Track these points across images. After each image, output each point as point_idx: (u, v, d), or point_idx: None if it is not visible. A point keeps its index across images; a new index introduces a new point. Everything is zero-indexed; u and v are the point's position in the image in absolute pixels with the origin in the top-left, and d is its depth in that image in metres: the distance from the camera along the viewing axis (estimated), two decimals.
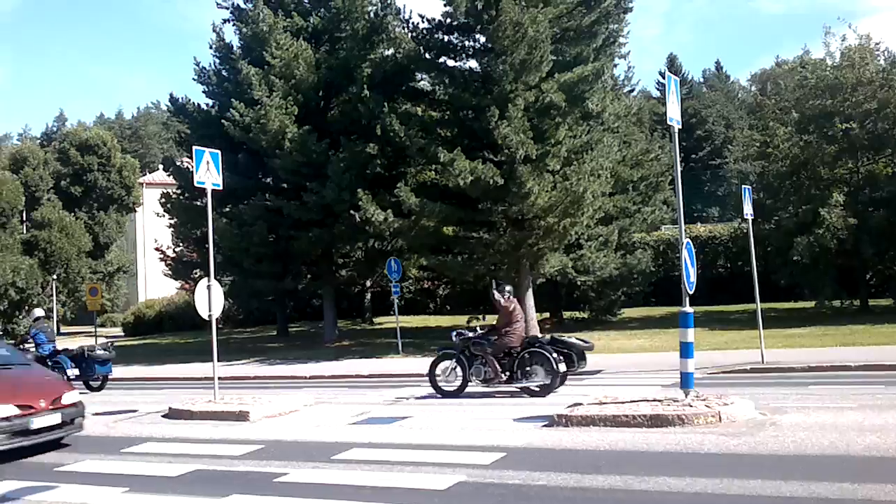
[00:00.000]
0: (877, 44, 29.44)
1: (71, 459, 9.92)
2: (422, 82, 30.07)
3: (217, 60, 32.15)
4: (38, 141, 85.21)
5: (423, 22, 27.22)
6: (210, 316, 14.12)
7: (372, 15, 30.39)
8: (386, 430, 11.00)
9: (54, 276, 49.43)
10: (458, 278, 30.63)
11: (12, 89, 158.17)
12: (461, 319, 33.04)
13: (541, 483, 7.54)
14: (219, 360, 14.69)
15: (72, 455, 10.23)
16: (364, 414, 12.62)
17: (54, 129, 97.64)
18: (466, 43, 26.98)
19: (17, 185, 50.34)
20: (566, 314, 32.29)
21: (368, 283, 38.43)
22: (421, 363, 22.24)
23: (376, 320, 39.21)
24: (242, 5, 31.16)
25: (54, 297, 50.47)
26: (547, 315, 31.21)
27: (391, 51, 29.45)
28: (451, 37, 27.08)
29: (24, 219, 52.28)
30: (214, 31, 31.82)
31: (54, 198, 54.37)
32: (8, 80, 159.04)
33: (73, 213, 53.19)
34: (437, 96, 28.28)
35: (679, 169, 11.65)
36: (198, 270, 32.85)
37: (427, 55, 27.39)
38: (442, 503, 7.09)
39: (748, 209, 17.95)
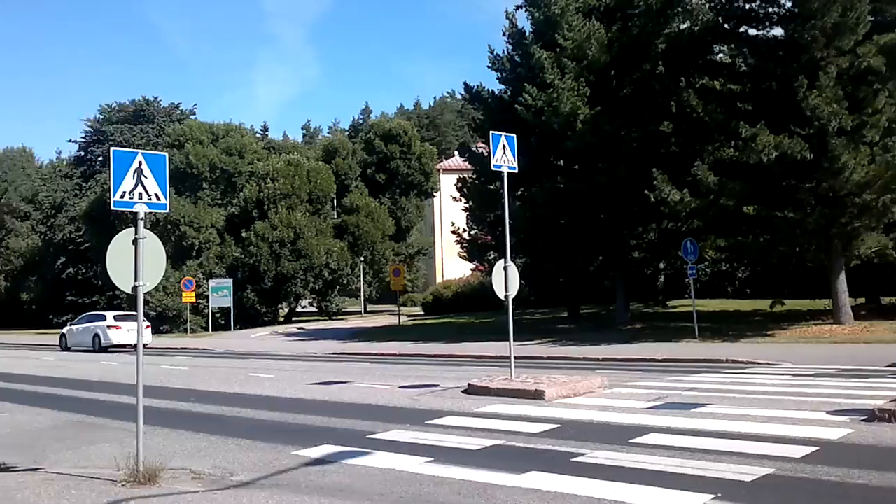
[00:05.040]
0: None
1: (380, 428, 10.54)
2: (719, 55, 28.70)
3: (510, 47, 32.80)
4: (347, 132, 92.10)
5: None
6: (506, 297, 14.46)
7: None
8: (684, 416, 10.58)
9: (362, 258, 53.37)
10: (760, 260, 28.93)
11: (324, 86, 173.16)
12: (762, 304, 31.27)
13: (861, 482, 6.87)
14: (513, 340, 14.97)
15: (381, 424, 10.87)
16: (660, 399, 12.26)
17: (360, 120, 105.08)
18: (770, 9, 25.42)
19: (329, 173, 54.67)
20: (885, 300, 29.43)
21: (662, 266, 37.46)
22: (720, 349, 21.39)
23: (669, 303, 38.21)
24: None
25: (361, 278, 54.63)
26: (862, 300, 28.63)
27: (686, 24, 28.35)
28: (753, 4, 25.69)
29: (335, 205, 56.62)
30: (507, 18, 32.52)
31: (361, 185, 58.28)
32: (320, 78, 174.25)
33: (377, 199, 56.88)
34: (736, 68, 26.93)
35: None
36: (491, 252, 33.85)
37: (726, 25, 26.26)
38: (749, 495, 6.63)
39: None
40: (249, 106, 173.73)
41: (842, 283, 24.79)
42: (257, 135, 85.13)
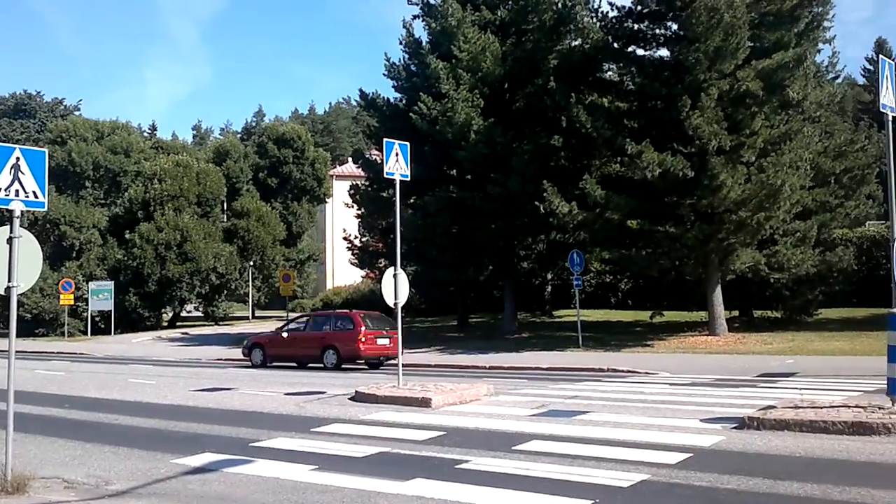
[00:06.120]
0: None
1: (264, 436, 10.40)
2: (608, 73, 29.65)
3: (406, 56, 32.98)
4: (239, 135, 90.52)
5: (612, 10, 27.09)
6: (395, 304, 14.48)
7: (559, 6, 30.20)
8: (566, 423, 10.84)
9: (251, 263, 52.43)
10: (642, 273, 29.92)
11: (216, 86, 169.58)
12: (643, 315, 32.28)
13: (730, 487, 7.18)
14: (402, 348, 15.00)
15: (265, 432, 10.72)
16: (543, 407, 12.51)
17: (253, 123, 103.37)
18: (657, 31, 26.40)
19: (219, 176, 53.55)
20: (757, 313, 30.84)
21: (549, 276, 38.25)
22: (602, 358, 21.95)
23: (556, 313, 38.98)
24: (432, 1, 31.67)
25: (250, 283, 53.65)
26: (736, 313, 29.90)
27: (578, 41, 29.21)
28: (641, 25, 26.56)
29: (225, 208, 55.53)
30: (404, 27, 32.72)
31: (252, 188, 57.36)
32: (212, 78, 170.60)
33: (269, 204, 56.03)
34: (624, 87, 27.81)
35: (892, 160, 10.72)
36: (382, 260, 33.86)
37: (615, 44, 27.04)
38: (625, 501, 6.85)
39: None
40: (138, 104, 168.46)
41: (717, 296, 25.85)
42: (145, 134, 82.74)
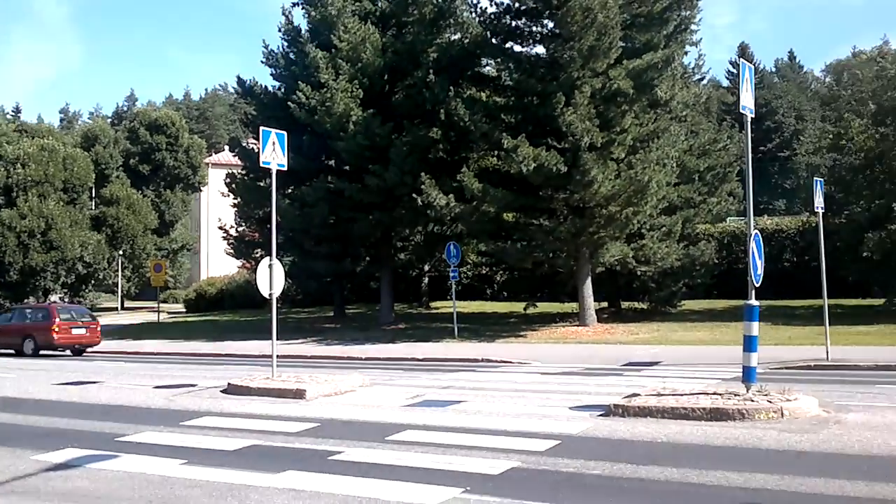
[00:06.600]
0: None
1: (131, 430, 10.12)
2: (487, 68, 29.98)
3: (285, 43, 32.43)
4: (109, 119, 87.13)
5: (491, 6, 27.25)
6: (270, 295, 14.31)
7: None
8: (440, 413, 10.99)
9: (120, 252, 50.67)
10: (517, 265, 30.47)
11: (85, 68, 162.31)
12: (518, 306, 32.95)
13: (595, 472, 7.44)
14: (277, 339, 14.85)
15: (132, 426, 10.44)
16: (418, 397, 12.64)
17: (125, 108, 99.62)
18: (534, 28, 26.85)
19: (87, 162, 51.43)
20: (625, 304, 31.95)
21: (426, 268, 38.48)
22: (477, 348, 22.29)
23: (433, 304, 39.29)
24: None
25: (120, 273, 51.89)
26: (605, 304, 30.88)
27: (457, 35, 29.47)
28: (519, 21, 26.97)
29: (94, 195, 53.51)
30: (284, 14, 32.13)
31: (123, 175, 55.49)
32: (81, 59, 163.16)
33: (140, 191, 54.31)
34: (502, 82, 28.23)
35: (750, 159, 11.34)
36: (259, 250, 33.30)
37: (494, 40, 27.35)
38: (495, 488, 6.99)
39: (819, 202, 17.43)
40: (1, 85, 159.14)
41: (588, 288, 26.64)
42: (8, 116, 78.55)
